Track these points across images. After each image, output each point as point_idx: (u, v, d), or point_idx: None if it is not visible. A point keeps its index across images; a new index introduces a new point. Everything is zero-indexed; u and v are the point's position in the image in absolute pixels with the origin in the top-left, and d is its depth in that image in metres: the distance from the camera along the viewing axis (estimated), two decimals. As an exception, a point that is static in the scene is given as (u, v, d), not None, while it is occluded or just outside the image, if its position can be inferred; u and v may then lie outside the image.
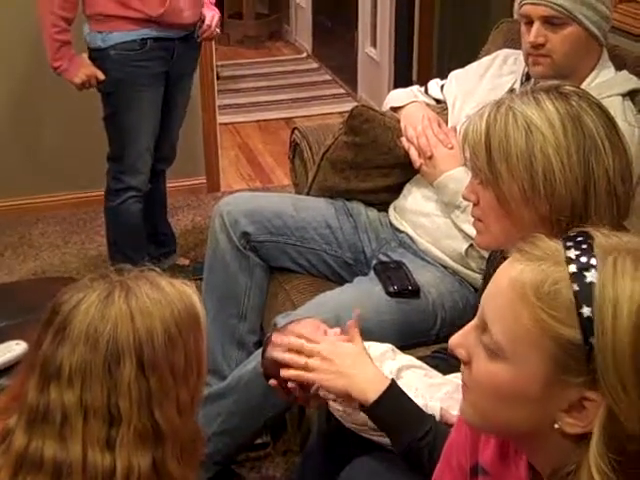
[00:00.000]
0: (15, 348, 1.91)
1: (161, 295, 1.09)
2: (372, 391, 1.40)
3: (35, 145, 3.66)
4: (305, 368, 1.46)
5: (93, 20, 2.62)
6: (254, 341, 2.22)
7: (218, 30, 2.92)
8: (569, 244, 0.93)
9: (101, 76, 2.65)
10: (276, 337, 1.56)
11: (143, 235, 2.91)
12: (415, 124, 2.16)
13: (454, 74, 2.32)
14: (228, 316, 2.19)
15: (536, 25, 1.90)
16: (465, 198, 1.44)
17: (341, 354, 1.48)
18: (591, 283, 0.88)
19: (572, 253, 0.91)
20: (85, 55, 2.66)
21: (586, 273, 0.89)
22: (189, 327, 1.11)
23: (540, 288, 0.90)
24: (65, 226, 3.64)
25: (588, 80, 1.92)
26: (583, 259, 0.90)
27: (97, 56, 2.65)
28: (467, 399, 1.01)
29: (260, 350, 1.82)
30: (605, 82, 1.93)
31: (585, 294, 0.88)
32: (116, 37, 2.62)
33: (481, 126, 1.35)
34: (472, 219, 1.47)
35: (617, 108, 1.83)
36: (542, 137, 1.31)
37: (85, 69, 2.64)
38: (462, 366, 1.01)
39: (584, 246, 0.92)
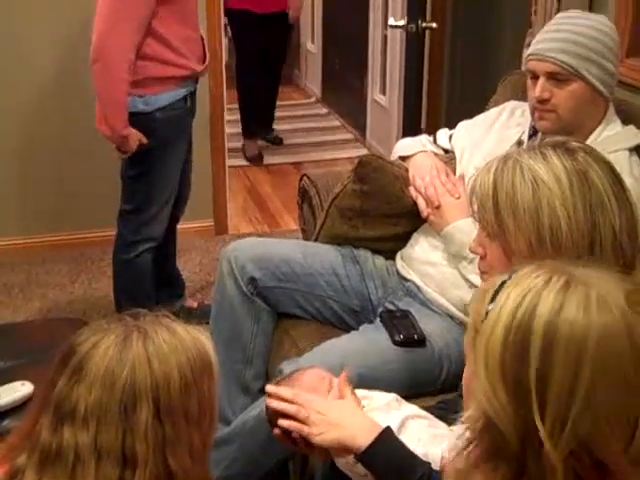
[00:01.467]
0: (21, 389, 1.92)
1: (177, 341, 1.10)
2: (364, 439, 1.40)
3: (42, 185, 3.70)
4: (302, 421, 1.46)
5: (137, 84, 2.52)
6: (259, 387, 2.21)
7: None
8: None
9: (145, 140, 2.57)
10: (271, 388, 1.56)
11: (152, 282, 2.90)
12: (423, 174, 2.18)
13: (462, 124, 2.34)
14: (234, 361, 2.19)
15: (541, 80, 1.92)
16: (472, 251, 1.46)
17: (333, 407, 1.49)
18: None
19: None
20: None
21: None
22: (203, 373, 1.12)
23: None
24: (72, 265, 3.66)
25: (594, 134, 1.94)
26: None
27: (138, 120, 2.56)
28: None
29: (265, 397, 1.82)
30: (612, 136, 1.94)
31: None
32: (164, 99, 2.57)
33: (489, 180, 1.37)
34: (479, 270, 1.48)
35: (624, 163, 1.84)
36: (549, 191, 1.32)
37: (136, 135, 2.55)
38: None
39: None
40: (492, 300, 0.98)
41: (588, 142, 1.89)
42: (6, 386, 1.93)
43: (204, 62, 2.62)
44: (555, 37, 1.93)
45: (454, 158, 2.27)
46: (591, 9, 2.49)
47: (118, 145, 2.55)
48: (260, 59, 4.97)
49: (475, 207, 1.39)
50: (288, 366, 1.91)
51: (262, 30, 4.85)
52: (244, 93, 5.11)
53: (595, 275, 0.97)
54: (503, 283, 0.99)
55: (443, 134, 2.38)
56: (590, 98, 1.92)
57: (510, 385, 0.92)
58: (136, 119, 2.55)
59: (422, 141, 2.38)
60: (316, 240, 2.34)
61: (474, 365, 0.98)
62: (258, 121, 5.18)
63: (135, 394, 1.05)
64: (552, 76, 1.91)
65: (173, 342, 1.10)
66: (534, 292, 0.94)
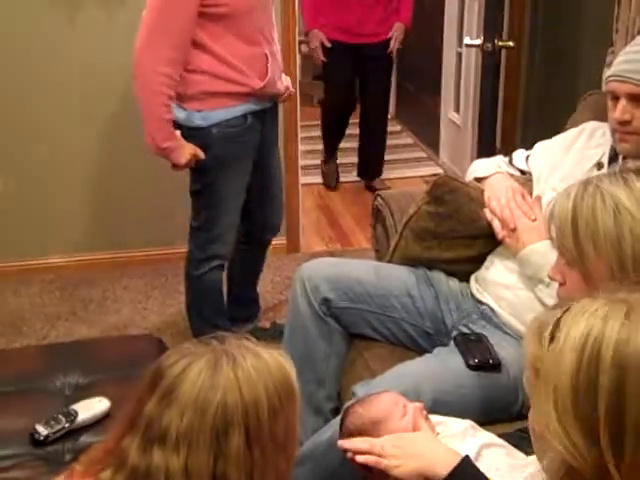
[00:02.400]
0: (97, 405, 1.95)
1: (264, 366, 1.12)
2: (443, 467, 1.38)
3: (120, 202, 3.78)
4: (378, 454, 1.45)
5: (191, 99, 2.55)
6: (331, 408, 2.21)
7: (293, 91, 3.03)
8: None
9: (202, 155, 2.57)
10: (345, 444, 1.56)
11: (223, 299, 2.91)
12: (499, 195, 2.15)
13: (540, 145, 2.31)
14: (306, 382, 2.18)
15: (622, 102, 1.88)
16: (551, 278, 1.43)
17: (409, 439, 1.49)
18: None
19: None
20: (178, 133, 2.56)
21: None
22: (288, 398, 1.13)
23: None
24: (147, 281, 3.71)
25: None
26: None
27: (195, 134, 2.57)
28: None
29: (337, 419, 1.81)
30: None
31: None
32: (219, 115, 2.57)
33: (568, 206, 1.34)
34: (555, 294, 1.45)
35: None
36: (631, 218, 1.29)
37: (188, 148, 2.55)
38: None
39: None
40: (551, 340, 0.95)
41: None
42: (83, 402, 1.96)
43: (265, 79, 2.62)
44: (636, 58, 1.89)
45: (531, 180, 2.24)
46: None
47: (164, 157, 2.57)
48: (349, 95, 4.73)
49: (554, 234, 1.37)
50: (361, 389, 1.90)
51: (356, 63, 4.58)
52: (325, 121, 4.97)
53: None
54: (558, 321, 0.97)
55: (520, 155, 2.35)
56: None
57: (584, 425, 0.90)
58: (193, 134, 2.58)
59: (498, 162, 2.35)
60: (390, 261, 2.33)
61: (540, 408, 0.96)
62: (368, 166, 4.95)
63: (227, 420, 1.07)
64: (633, 97, 1.87)
65: (260, 367, 1.11)
66: (597, 327, 0.93)
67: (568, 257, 1.36)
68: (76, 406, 1.94)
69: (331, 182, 4.96)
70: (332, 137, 4.96)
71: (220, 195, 2.69)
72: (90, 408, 1.94)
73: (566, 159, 2.15)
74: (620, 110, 1.88)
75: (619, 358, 0.90)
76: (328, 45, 4.46)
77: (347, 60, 4.53)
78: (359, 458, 1.49)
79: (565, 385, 0.92)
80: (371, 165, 4.89)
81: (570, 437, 0.91)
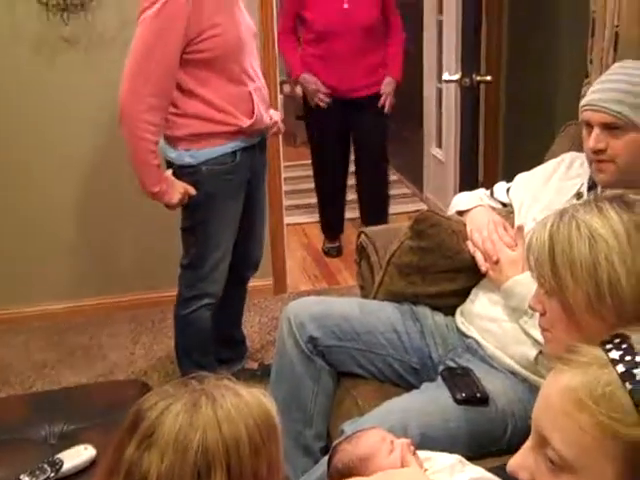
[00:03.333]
0: (83, 453, 1.92)
1: (244, 404, 1.11)
2: None
3: (106, 247, 3.77)
4: None
5: (181, 140, 2.60)
6: (320, 447, 2.19)
7: (282, 126, 3.04)
8: (609, 347, 0.96)
9: (193, 192, 2.60)
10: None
11: (211, 340, 2.90)
12: (481, 228, 2.16)
13: (520, 177, 2.32)
14: (294, 421, 2.17)
15: (596, 131, 1.90)
16: (532, 308, 1.43)
17: (397, 476, 1.48)
18: None
19: (615, 354, 0.95)
20: (169, 172, 2.61)
21: (635, 371, 0.92)
22: (270, 434, 1.12)
23: (594, 392, 0.92)
24: (134, 326, 3.70)
25: None
26: (628, 358, 0.93)
27: (186, 172, 2.61)
28: None
29: (326, 458, 1.80)
30: None
31: (639, 392, 0.90)
32: (208, 153, 2.60)
33: (545, 235, 1.35)
34: (539, 327, 1.45)
35: None
36: (606, 245, 1.30)
37: (179, 187, 2.58)
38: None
39: (624, 346, 0.95)
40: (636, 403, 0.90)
41: None
42: (69, 450, 1.93)
43: (252, 117, 2.64)
44: (609, 87, 1.91)
45: (512, 212, 2.25)
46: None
47: (157, 200, 2.58)
48: (342, 150, 4.44)
49: (532, 264, 1.37)
50: (349, 426, 1.89)
51: (347, 119, 4.28)
52: (320, 188, 4.62)
53: None
54: (631, 377, 0.92)
55: (501, 187, 2.36)
56: None
57: None
58: (184, 172, 2.61)
59: (479, 195, 2.36)
60: (375, 297, 2.33)
61: None
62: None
63: (208, 459, 1.05)
64: (607, 126, 1.89)
65: (240, 405, 1.10)
66: None
67: (547, 287, 1.36)
68: (62, 455, 1.91)
69: (330, 251, 4.60)
70: (328, 208, 4.60)
71: (211, 232, 2.71)
72: (76, 456, 1.92)
73: (546, 190, 2.17)
74: (594, 139, 1.90)
75: None
76: (324, 90, 4.16)
77: (337, 114, 4.22)
78: None
79: None
80: (374, 218, 4.32)
81: None
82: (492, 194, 2.36)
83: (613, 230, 1.30)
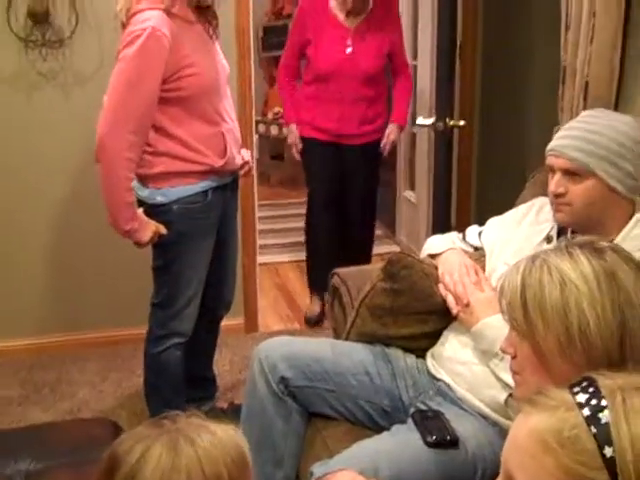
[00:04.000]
0: (50, 492, 1.90)
1: (220, 442, 1.11)
2: None
3: (73, 284, 3.75)
4: None
5: (153, 178, 2.60)
6: (290, 488, 2.18)
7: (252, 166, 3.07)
8: (576, 390, 0.98)
9: (164, 231, 2.59)
10: None
11: (182, 379, 2.88)
12: (452, 271, 2.18)
13: (492, 221, 2.35)
14: (264, 462, 2.16)
15: (557, 176, 1.97)
16: (503, 351, 1.44)
17: None
18: (607, 423, 0.92)
19: (582, 398, 0.96)
20: (140, 210, 2.58)
21: (600, 415, 0.93)
22: (245, 471, 1.12)
23: (560, 434, 0.93)
24: (103, 364, 3.66)
25: (624, 232, 1.94)
26: (593, 401, 0.95)
27: (157, 211, 2.60)
28: None
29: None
30: None
31: (604, 435, 0.91)
32: (179, 192, 2.60)
33: (517, 280, 1.36)
34: (510, 371, 1.46)
35: None
36: (576, 290, 1.31)
37: (151, 226, 2.56)
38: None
39: (591, 389, 0.97)
40: (607, 443, 0.91)
41: (618, 239, 1.88)
42: (35, 490, 1.91)
43: (224, 157, 2.66)
44: (572, 134, 1.96)
45: (484, 255, 2.28)
46: (617, 107, 2.52)
47: (127, 238, 2.57)
48: (331, 200, 4.15)
49: (504, 307, 1.39)
50: (319, 469, 1.88)
51: (339, 164, 4.08)
52: (309, 242, 4.35)
53: None
54: (596, 420, 0.93)
55: (473, 231, 2.39)
56: (607, 195, 1.94)
57: None
58: (155, 211, 2.60)
59: (452, 238, 2.39)
60: (347, 338, 2.33)
61: None
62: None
63: None
64: (567, 172, 1.95)
65: (217, 443, 1.10)
66: None
67: (518, 330, 1.37)
68: (27, 493, 1.89)
69: (310, 320, 4.22)
70: (317, 260, 4.26)
71: (182, 271, 2.70)
72: (42, 495, 1.89)
73: (517, 234, 2.20)
74: (555, 183, 1.97)
75: None
76: (299, 146, 4.07)
77: (328, 159, 4.05)
78: None
79: None
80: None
81: None
82: (464, 237, 2.39)
83: (583, 275, 1.32)
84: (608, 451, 0.90)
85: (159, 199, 2.61)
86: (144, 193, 2.61)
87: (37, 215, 3.62)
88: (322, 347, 2.25)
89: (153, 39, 2.39)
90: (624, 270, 1.34)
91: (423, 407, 2.08)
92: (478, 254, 2.31)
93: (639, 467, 0.88)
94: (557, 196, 1.97)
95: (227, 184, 2.77)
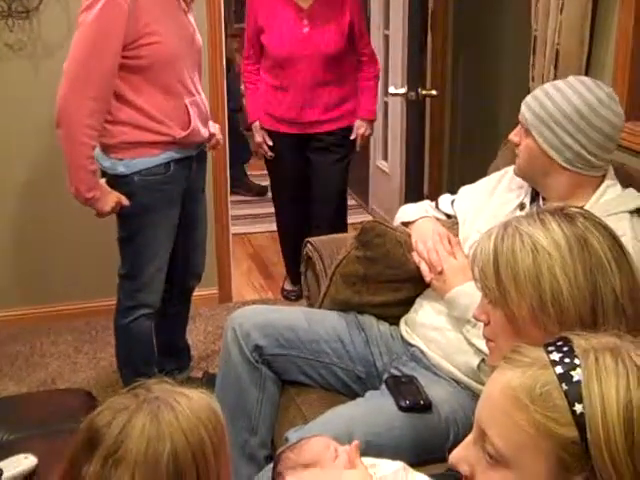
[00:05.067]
0: (24, 462, 1.89)
1: (198, 407, 1.11)
2: None
3: (47, 255, 3.72)
4: None
5: (114, 148, 2.59)
6: (265, 455, 2.19)
7: (221, 139, 3.05)
8: (551, 349, 1.00)
9: (126, 202, 2.58)
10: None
11: (153, 350, 2.88)
12: (425, 239, 2.19)
13: (464, 189, 2.37)
14: (239, 429, 2.17)
15: (519, 126, 2.04)
16: (476, 318, 1.45)
17: (345, 479, 1.47)
18: (578, 381, 0.94)
19: (555, 356, 0.98)
20: (103, 181, 2.59)
21: (572, 372, 0.95)
22: (222, 432, 1.13)
23: (532, 391, 0.95)
24: (77, 335, 3.65)
25: (595, 197, 1.96)
26: (567, 360, 0.97)
27: (119, 182, 2.60)
28: None
29: (270, 466, 1.80)
30: (613, 200, 1.96)
31: (574, 392, 0.93)
32: (140, 163, 2.59)
33: (489, 247, 1.37)
34: (483, 337, 1.47)
35: (626, 225, 1.86)
36: (549, 257, 1.33)
37: (113, 196, 2.56)
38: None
39: (565, 349, 0.99)
40: (577, 400, 0.93)
41: (588, 206, 1.90)
42: (10, 459, 1.90)
43: (188, 129, 2.65)
44: (535, 93, 2.01)
45: (457, 223, 2.29)
46: (587, 74, 2.53)
47: (89, 206, 2.56)
48: (298, 198, 3.91)
49: (477, 274, 1.40)
50: (294, 434, 1.89)
51: (305, 157, 3.80)
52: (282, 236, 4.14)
53: (630, 346, 0.97)
54: (568, 378, 0.95)
55: (445, 199, 2.40)
56: (542, 159, 1.98)
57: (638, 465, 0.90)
58: (117, 181, 2.60)
59: (425, 207, 2.40)
60: (320, 307, 2.34)
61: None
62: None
63: (179, 469, 1.06)
64: (522, 125, 2.02)
65: (195, 409, 1.10)
66: (633, 378, 0.92)
67: (491, 298, 1.38)
68: (1, 464, 1.88)
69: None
70: (290, 254, 4.02)
71: (146, 243, 2.69)
72: (16, 465, 1.88)
73: (490, 202, 2.21)
74: (514, 132, 2.05)
75: None
76: (269, 143, 3.79)
77: (294, 152, 3.78)
78: None
79: (620, 448, 0.90)
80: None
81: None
82: (437, 205, 2.40)
83: (555, 242, 1.33)
84: (578, 408, 0.92)
85: (121, 170, 2.60)
86: (106, 163, 2.61)
87: (3, 186, 3.59)
88: (295, 315, 2.26)
89: (111, 4, 2.37)
90: (595, 235, 1.35)
91: (397, 373, 2.10)
92: (451, 222, 2.32)
93: (607, 424, 0.90)
94: (515, 145, 2.05)
95: (192, 156, 2.76)
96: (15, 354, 3.49)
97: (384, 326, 2.24)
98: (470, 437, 1.03)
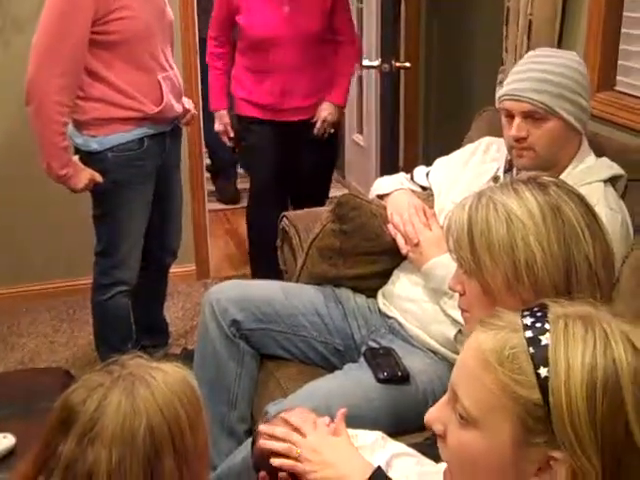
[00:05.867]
0: (2, 442, 1.90)
1: (173, 381, 1.11)
2: (358, 477, 1.40)
3: (24, 233, 3.69)
4: (294, 458, 1.46)
5: (87, 125, 2.57)
6: (244, 429, 2.20)
7: (195, 114, 3.03)
8: (526, 313, 1.02)
9: (100, 179, 2.57)
10: (265, 427, 1.56)
11: (131, 327, 2.88)
12: (401, 211, 2.20)
13: (439, 161, 2.37)
14: (217, 404, 2.18)
15: (517, 120, 1.95)
16: (451, 289, 1.46)
17: (327, 446, 1.48)
18: (546, 345, 0.95)
19: (528, 320, 1.00)
20: (76, 158, 2.57)
21: (541, 337, 0.96)
22: (199, 406, 1.13)
23: (500, 353, 0.97)
24: (54, 314, 3.64)
25: (570, 168, 1.97)
26: (538, 325, 0.98)
27: (93, 159, 2.58)
28: (448, 474, 1.07)
29: (250, 440, 1.81)
30: (587, 169, 1.97)
31: (541, 356, 0.95)
32: (114, 139, 2.58)
33: (463, 217, 1.38)
34: (459, 308, 1.48)
35: (599, 194, 1.87)
36: (522, 226, 1.33)
37: (86, 173, 2.54)
38: (439, 442, 1.07)
39: (539, 314, 1.00)
40: (542, 364, 0.94)
41: (563, 176, 1.91)
42: (-13, 438, 1.91)
43: (160, 104, 2.63)
44: (528, 77, 1.96)
45: (432, 195, 2.29)
46: (560, 46, 2.54)
47: (62, 184, 2.55)
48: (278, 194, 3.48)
49: (451, 245, 1.40)
50: (273, 407, 1.90)
51: (284, 146, 3.40)
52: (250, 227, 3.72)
53: (605, 315, 0.98)
54: (536, 342, 0.96)
55: (421, 171, 2.41)
56: (565, 134, 1.96)
57: (609, 449, 0.91)
58: (91, 158, 2.58)
59: (400, 179, 2.40)
60: (297, 281, 2.35)
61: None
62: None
63: (156, 444, 1.05)
64: (528, 115, 1.94)
65: (170, 382, 1.10)
66: (600, 346, 0.93)
67: (466, 268, 1.39)
68: (-20, 443, 1.88)
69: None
70: (259, 261, 3.67)
71: (120, 219, 2.69)
72: (-5, 444, 1.89)
73: (464, 174, 2.22)
74: (516, 128, 1.95)
75: (636, 373, 0.92)
76: (231, 134, 3.50)
77: (272, 140, 3.38)
78: (275, 461, 1.48)
79: (582, 413, 0.91)
80: None
81: (587, 455, 0.90)
82: (412, 178, 2.40)
83: (529, 211, 1.34)
84: (543, 371, 0.93)
85: (94, 146, 2.58)
86: (79, 140, 2.59)
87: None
88: (273, 289, 2.27)
89: None
90: (568, 204, 1.36)
91: (375, 345, 2.11)
92: (426, 194, 2.33)
93: (569, 388, 0.91)
94: (518, 141, 1.96)
95: (166, 132, 2.74)
96: (-8, 334, 3.48)
97: (361, 299, 2.25)
98: (444, 398, 1.06)
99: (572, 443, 0.91)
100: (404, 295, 2.14)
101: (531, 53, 2.10)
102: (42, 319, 3.60)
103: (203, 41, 3.57)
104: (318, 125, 3.34)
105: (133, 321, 2.89)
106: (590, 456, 0.90)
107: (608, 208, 1.84)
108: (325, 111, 3.35)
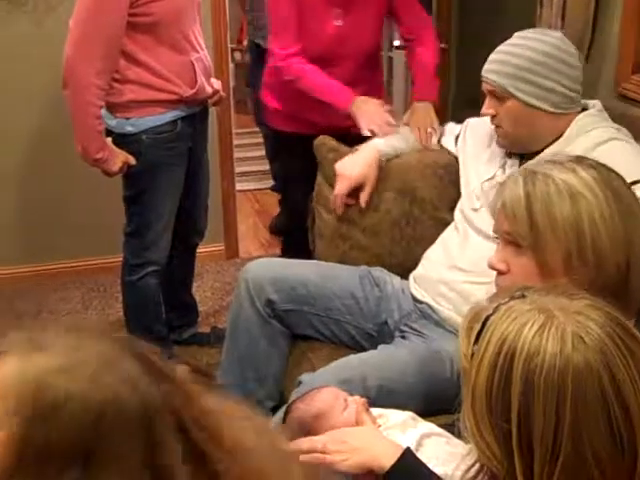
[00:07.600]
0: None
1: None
2: (387, 459, 1.41)
3: (55, 211, 3.71)
4: (322, 452, 1.47)
5: (122, 107, 2.57)
6: (271, 407, 2.21)
7: (224, 95, 3.01)
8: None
9: (133, 161, 2.58)
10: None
11: (161, 306, 2.90)
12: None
13: (470, 125, 2.34)
14: (246, 380, 2.20)
15: (487, 99, 2.01)
16: (493, 267, 1.44)
17: (352, 434, 1.50)
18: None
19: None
20: (109, 140, 2.57)
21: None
22: None
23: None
24: (85, 291, 3.67)
25: (554, 147, 1.96)
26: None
27: (126, 141, 2.59)
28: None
29: (276, 417, 1.83)
30: (593, 129, 1.97)
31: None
32: (148, 122, 2.58)
33: (519, 193, 1.37)
34: (496, 287, 1.45)
35: (606, 134, 1.92)
36: (586, 203, 1.33)
37: (120, 156, 2.56)
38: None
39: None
40: (477, 340, 1.00)
41: (560, 145, 1.94)
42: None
43: (195, 86, 2.63)
44: (494, 58, 2.01)
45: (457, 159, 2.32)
46: (594, 27, 2.51)
47: (96, 167, 2.56)
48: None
49: (504, 221, 1.39)
50: (307, 378, 1.92)
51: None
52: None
53: (575, 309, 0.98)
54: (487, 319, 1.00)
55: (450, 133, 2.42)
56: (529, 113, 1.96)
57: (498, 434, 0.94)
58: (124, 140, 2.59)
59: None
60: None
61: (465, 406, 1.01)
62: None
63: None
64: (493, 95, 1.99)
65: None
66: (512, 335, 0.96)
67: (522, 243, 1.37)
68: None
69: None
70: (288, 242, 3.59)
71: (152, 201, 2.69)
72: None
73: (483, 154, 2.19)
74: (484, 106, 2.02)
75: (527, 371, 0.93)
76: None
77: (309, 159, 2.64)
78: (303, 457, 1.50)
79: (481, 390, 0.96)
80: None
81: (487, 443, 0.94)
82: (440, 140, 2.44)
83: (590, 188, 1.34)
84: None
85: (128, 129, 2.59)
86: (113, 122, 2.59)
87: (12, 144, 3.57)
88: (309, 270, 2.26)
89: None
90: (618, 181, 1.37)
91: (407, 329, 2.10)
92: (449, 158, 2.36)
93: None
94: (491, 120, 2.02)
95: (196, 114, 2.75)
96: (23, 311, 3.50)
97: (396, 280, 2.24)
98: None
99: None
100: (436, 278, 2.13)
101: (515, 34, 2.07)
102: (72, 296, 3.63)
103: None
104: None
105: (162, 301, 2.91)
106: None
107: (623, 140, 1.89)
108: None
